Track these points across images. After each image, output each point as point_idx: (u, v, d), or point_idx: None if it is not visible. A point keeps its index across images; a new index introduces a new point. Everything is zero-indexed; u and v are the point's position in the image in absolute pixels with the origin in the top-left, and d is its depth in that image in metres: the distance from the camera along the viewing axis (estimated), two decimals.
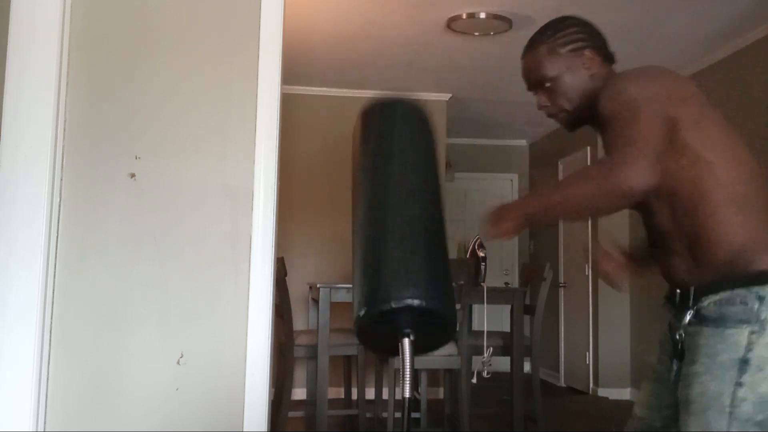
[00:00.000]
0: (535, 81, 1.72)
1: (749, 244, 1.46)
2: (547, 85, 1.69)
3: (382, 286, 1.37)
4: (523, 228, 1.57)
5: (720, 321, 1.44)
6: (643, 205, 1.58)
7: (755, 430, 1.38)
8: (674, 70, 1.59)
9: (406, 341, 1.37)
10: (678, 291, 1.58)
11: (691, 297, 1.51)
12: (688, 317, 1.51)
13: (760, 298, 1.41)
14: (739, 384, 1.39)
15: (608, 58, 1.70)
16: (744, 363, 1.39)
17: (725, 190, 1.47)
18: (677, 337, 1.55)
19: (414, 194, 1.48)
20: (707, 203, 1.48)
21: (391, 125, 1.54)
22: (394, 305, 1.36)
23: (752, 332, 1.40)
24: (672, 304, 1.62)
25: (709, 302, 1.48)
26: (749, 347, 1.40)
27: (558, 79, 1.67)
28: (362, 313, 1.38)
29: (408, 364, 1.36)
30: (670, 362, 1.61)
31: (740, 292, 1.43)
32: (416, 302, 1.35)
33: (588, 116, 1.68)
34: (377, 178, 1.52)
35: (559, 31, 1.69)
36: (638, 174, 1.40)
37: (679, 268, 1.56)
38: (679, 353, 1.55)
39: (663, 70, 1.58)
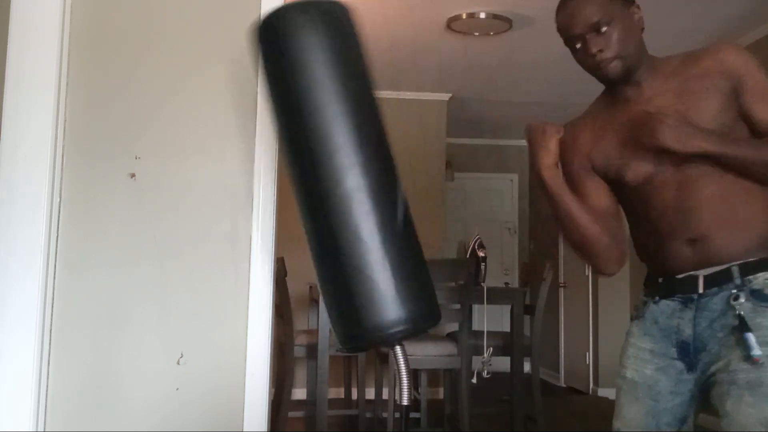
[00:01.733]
0: (590, 25, 1.60)
1: None
2: (604, 29, 1.59)
3: (352, 323, 1.27)
4: (703, 153, 1.49)
5: None
6: (687, 170, 1.55)
7: None
8: None
9: (398, 349, 1.33)
10: (703, 274, 1.52)
11: (737, 275, 1.48)
12: (742, 297, 1.46)
13: None
14: None
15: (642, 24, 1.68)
16: None
17: None
18: (736, 315, 1.46)
19: (344, 154, 1.28)
20: None
21: (286, 45, 1.30)
22: (368, 344, 1.30)
23: None
24: (683, 292, 1.55)
25: (764, 280, 1.45)
26: None
27: (617, 24, 1.59)
28: (342, 345, 1.33)
29: (404, 370, 1.33)
30: (684, 365, 1.54)
31: None
32: (395, 334, 1.29)
33: (635, 68, 1.62)
34: (290, 130, 1.31)
35: None
36: None
37: (711, 243, 1.51)
38: (743, 328, 1.46)
39: None
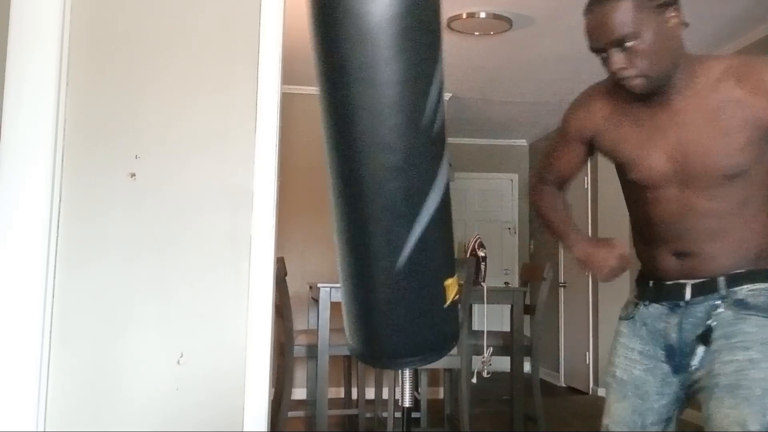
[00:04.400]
0: (614, 39, 1.45)
1: None
2: (629, 44, 1.44)
3: (375, 343, 1.29)
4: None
5: None
6: (695, 185, 1.52)
7: None
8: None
9: (407, 371, 1.35)
10: (691, 283, 1.54)
11: (722, 286, 1.50)
12: (722, 307, 1.49)
13: None
14: None
15: (685, 20, 1.51)
16: None
17: None
18: (708, 326, 1.50)
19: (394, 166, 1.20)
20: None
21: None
22: (390, 366, 1.33)
23: None
24: (670, 299, 1.57)
25: (750, 290, 1.47)
26: None
27: (644, 38, 1.43)
28: (357, 355, 1.35)
29: (408, 373, 1.34)
30: (670, 367, 1.56)
31: None
32: (415, 362, 1.31)
33: (666, 81, 1.50)
34: (337, 119, 1.20)
35: None
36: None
37: (700, 258, 1.53)
38: (703, 340, 1.51)
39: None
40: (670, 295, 1.58)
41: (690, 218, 1.54)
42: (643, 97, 1.54)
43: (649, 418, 1.58)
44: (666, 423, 1.60)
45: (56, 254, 2.14)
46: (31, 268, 2.07)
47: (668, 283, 1.59)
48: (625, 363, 1.63)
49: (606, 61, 1.50)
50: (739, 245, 1.50)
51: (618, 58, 1.47)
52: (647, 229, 1.63)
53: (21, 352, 2.05)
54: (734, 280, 1.49)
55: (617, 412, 1.62)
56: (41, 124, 2.11)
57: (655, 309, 1.61)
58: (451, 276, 1.33)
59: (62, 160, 2.17)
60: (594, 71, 1.70)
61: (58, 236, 2.14)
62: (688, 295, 1.54)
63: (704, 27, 4.43)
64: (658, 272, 1.62)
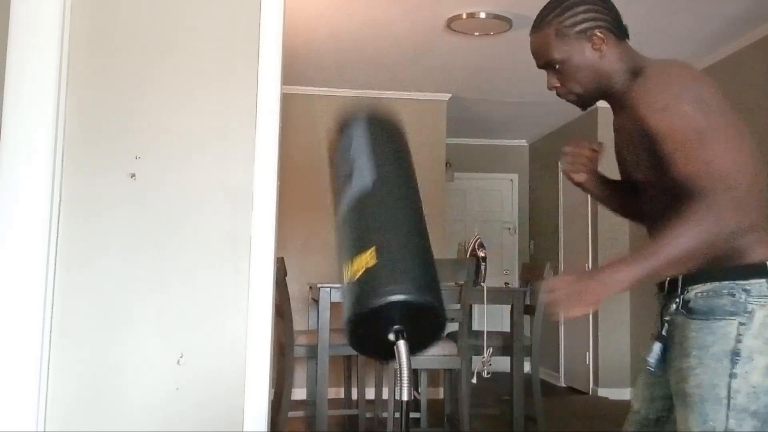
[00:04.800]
0: (544, 63, 1.66)
1: (741, 241, 1.47)
2: (557, 66, 1.63)
3: (369, 285, 1.36)
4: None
5: (709, 313, 1.46)
6: (649, 188, 1.60)
7: (751, 420, 1.40)
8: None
9: (402, 343, 1.36)
10: (668, 278, 1.59)
11: (679, 285, 1.53)
12: (674, 306, 1.53)
13: (746, 291, 1.44)
14: (732, 375, 1.41)
15: (621, 34, 1.63)
16: (735, 354, 1.42)
17: (728, 194, 1.46)
18: (665, 325, 1.56)
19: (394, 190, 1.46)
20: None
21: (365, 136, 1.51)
22: (382, 301, 1.35)
23: (741, 324, 1.43)
24: (662, 291, 1.64)
25: (695, 293, 1.49)
26: (739, 338, 1.42)
27: (566, 62, 1.61)
28: (351, 314, 1.38)
29: (405, 365, 1.35)
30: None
31: (727, 284, 1.46)
32: (405, 297, 1.34)
33: (602, 95, 1.64)
34: (357, 181, 1.48)
35: (567, 10, 1.60)
36: (738, 218, 1.39)
37: None
38: (664, 339, 1.56)
39: (692, 71, 1.52)
40: (661, 287, 1.65)
41: (654, 213, 1.63)
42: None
43: (658, 392, 1.65)
44: (671, 398, 1.64)
45: (56, 254, 2.14)
46: (31, 268, 2.08)
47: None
48: (648, 342, 1.73)
49: None
50: None
51: (552, 78, 1.67)
52: None
53: (21, 351, 2.05)
54: (689, 280, 1.52)
55: (637, 386, 1.72)
56: (41, 124, 2.11)
57: (660, 296, 1.68)
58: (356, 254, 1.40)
59: (62, 160, 2.17)
60: None
61: (58, 236, 2.14)
62: (666, 287, 1.61)
63: (704, 27, 4.43)
64: None
